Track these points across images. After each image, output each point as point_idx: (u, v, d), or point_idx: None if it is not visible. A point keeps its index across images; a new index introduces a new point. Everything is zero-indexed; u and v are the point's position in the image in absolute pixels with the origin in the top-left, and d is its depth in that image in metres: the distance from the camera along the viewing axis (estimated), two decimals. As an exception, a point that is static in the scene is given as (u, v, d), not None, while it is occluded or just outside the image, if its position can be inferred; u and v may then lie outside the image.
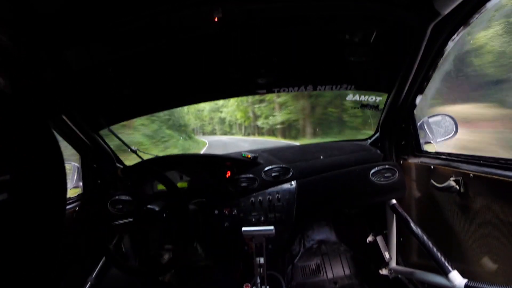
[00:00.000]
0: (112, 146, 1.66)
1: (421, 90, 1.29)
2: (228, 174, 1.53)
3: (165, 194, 1.39)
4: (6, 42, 0.78)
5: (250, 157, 1.56)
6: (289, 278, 1.74)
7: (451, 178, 1.09)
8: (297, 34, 1.18)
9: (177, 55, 1.22)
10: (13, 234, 0.28)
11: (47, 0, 0.77)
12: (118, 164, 1.69)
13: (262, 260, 1.17)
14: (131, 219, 1.15)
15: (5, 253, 0.27)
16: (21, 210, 0.29)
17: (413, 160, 1.44)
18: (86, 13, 0.87)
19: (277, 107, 13.72)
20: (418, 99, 1.33)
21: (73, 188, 1.54)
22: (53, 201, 0.34)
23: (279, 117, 13.70)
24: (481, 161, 1.02)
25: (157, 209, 1.13)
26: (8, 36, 0.79)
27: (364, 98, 1.56)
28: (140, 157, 1.73)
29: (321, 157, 1.62)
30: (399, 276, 1.52)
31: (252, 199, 1.47)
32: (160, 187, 1.50)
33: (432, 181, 1.21)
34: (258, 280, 1.17)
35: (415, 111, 1.40)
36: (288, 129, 13.80)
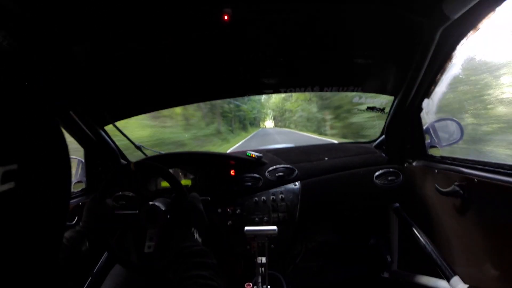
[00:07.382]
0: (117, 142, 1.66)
1: (428, 94, 1.29)
2: (233, 173, 1.53)
3: (169, 191, 1.40)
4: (14, 37, 0.79)
5: (254, 157, 1.56)
6: (290, 278, 1.74)
7: (456, 183, 1.09)
8: (305, 34, 1.18)
9: (184, 53, 1.23)
10: (18, 223, 0.28)
11: None
12: (122, 160, 1.70)
13: (264, 259, 1.17)
14: (136, 211, 1.15)
15: (8, 242, 0.27)
16: (28, 200, 0.29)
17: (417, 164, 1.43)
18: (95, 8, 0.88)
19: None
20: (425, 103, 1.33)
21: (77, 183, 1.55)
22: (58, 193, 0.35)
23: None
24: (486, 167, 1.01)
25: (163, 208, 1.13)
26: (15, 32, 0.79)
27: (371, 100, 1.56)
28: (144, 153, 1.73)
29: (326, 158, 1.62)
30: (401, 279, 1.52)
31: (256, 198, 1.47)
32: (164, 184, 1.50)
33: (436, 185, 1.20)
34: (259, 280, 1.17)
35: (421, 115, 1.39)
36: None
